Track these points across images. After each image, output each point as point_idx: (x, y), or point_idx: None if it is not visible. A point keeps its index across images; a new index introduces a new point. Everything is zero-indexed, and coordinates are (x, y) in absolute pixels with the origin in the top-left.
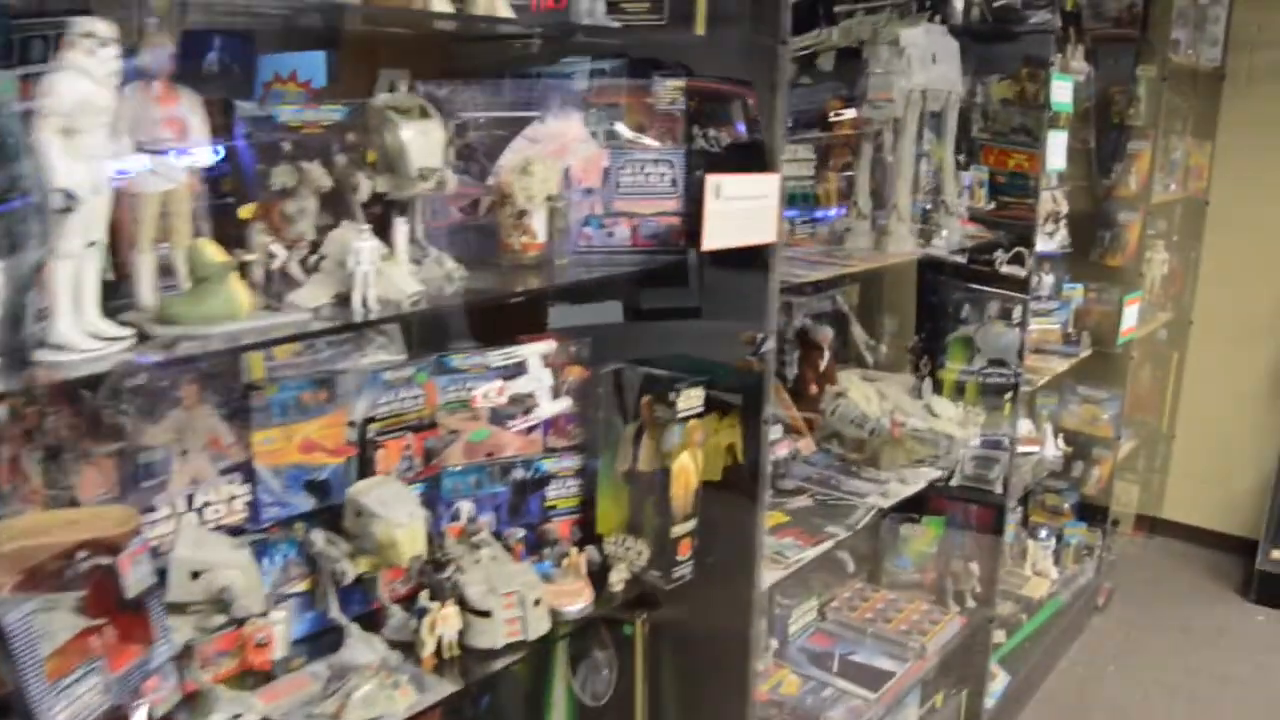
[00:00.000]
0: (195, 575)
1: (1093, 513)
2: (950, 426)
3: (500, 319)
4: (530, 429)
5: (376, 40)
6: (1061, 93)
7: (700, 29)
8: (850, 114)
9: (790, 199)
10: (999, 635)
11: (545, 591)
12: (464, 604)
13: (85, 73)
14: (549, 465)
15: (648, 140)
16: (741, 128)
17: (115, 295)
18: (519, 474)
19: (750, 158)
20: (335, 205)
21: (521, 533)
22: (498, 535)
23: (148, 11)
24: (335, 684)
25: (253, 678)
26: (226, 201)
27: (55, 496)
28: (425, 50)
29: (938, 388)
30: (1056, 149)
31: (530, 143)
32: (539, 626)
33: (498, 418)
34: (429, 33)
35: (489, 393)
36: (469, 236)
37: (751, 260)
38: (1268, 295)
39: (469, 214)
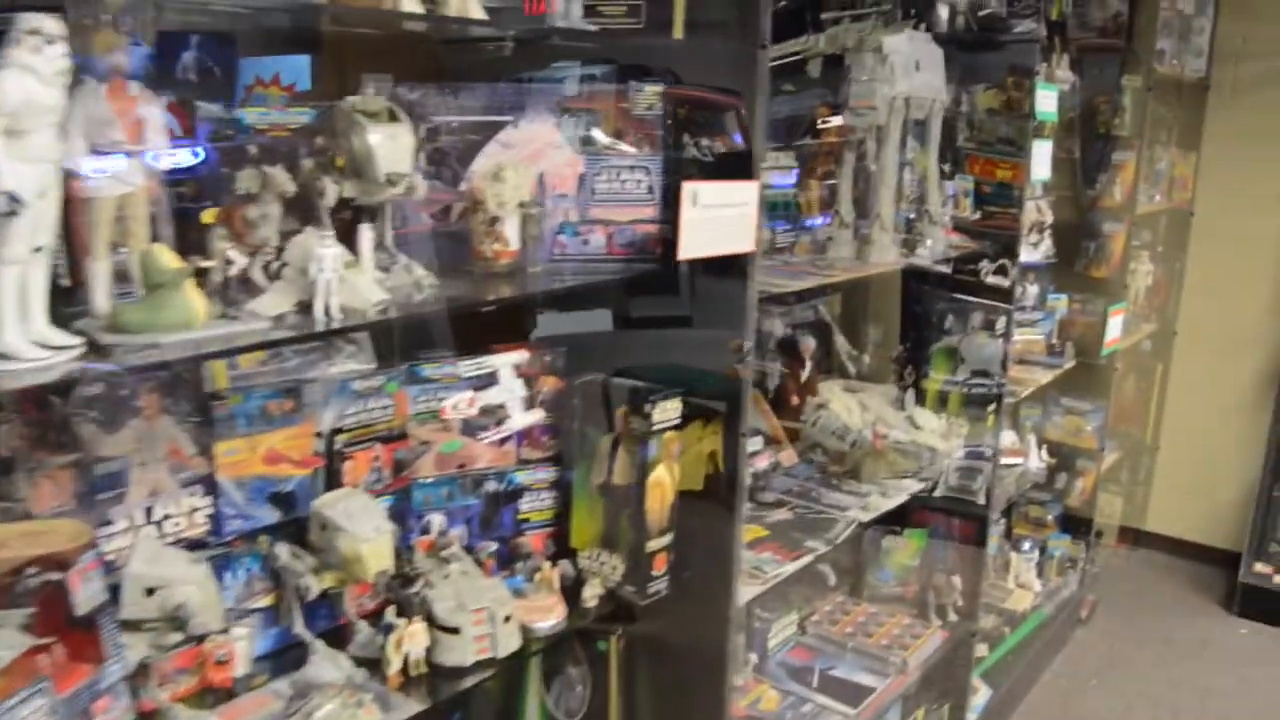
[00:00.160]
0: (150, 591)
1: (1076, 525)
2: (933, 439)
3: (476, 327)
4: (503, 440)
5: (359, 44)
6: (1046, 102)
7: (678, 33)
8: (838, 121)
9: (771, 207)
10: (981, 649)
11: (516, 607)
12: (432, 620)
13: (31, 71)
14: (522, 477)
15: (624, 146)
16: (738, 138)
17: (71, 302)
18: (492, 486)
19: (744, 168)
20: (303, 211)
21: (494, 546)
22: (469, 549)
23: (103, 9)
24: (298, 703)
25: (213, 696)
26: (190, 206)
27: (8, 509)
28: (410, 54)
29: (921, 399)
30: (1041, 159)
31: (503, 148)
32: (509, 643)
33: (470, 429)
34: (414, 36)
35: (459, 404)
36: (441, 243)
37: (729, 269)
38: (1252, 306)
39: (441, 220)
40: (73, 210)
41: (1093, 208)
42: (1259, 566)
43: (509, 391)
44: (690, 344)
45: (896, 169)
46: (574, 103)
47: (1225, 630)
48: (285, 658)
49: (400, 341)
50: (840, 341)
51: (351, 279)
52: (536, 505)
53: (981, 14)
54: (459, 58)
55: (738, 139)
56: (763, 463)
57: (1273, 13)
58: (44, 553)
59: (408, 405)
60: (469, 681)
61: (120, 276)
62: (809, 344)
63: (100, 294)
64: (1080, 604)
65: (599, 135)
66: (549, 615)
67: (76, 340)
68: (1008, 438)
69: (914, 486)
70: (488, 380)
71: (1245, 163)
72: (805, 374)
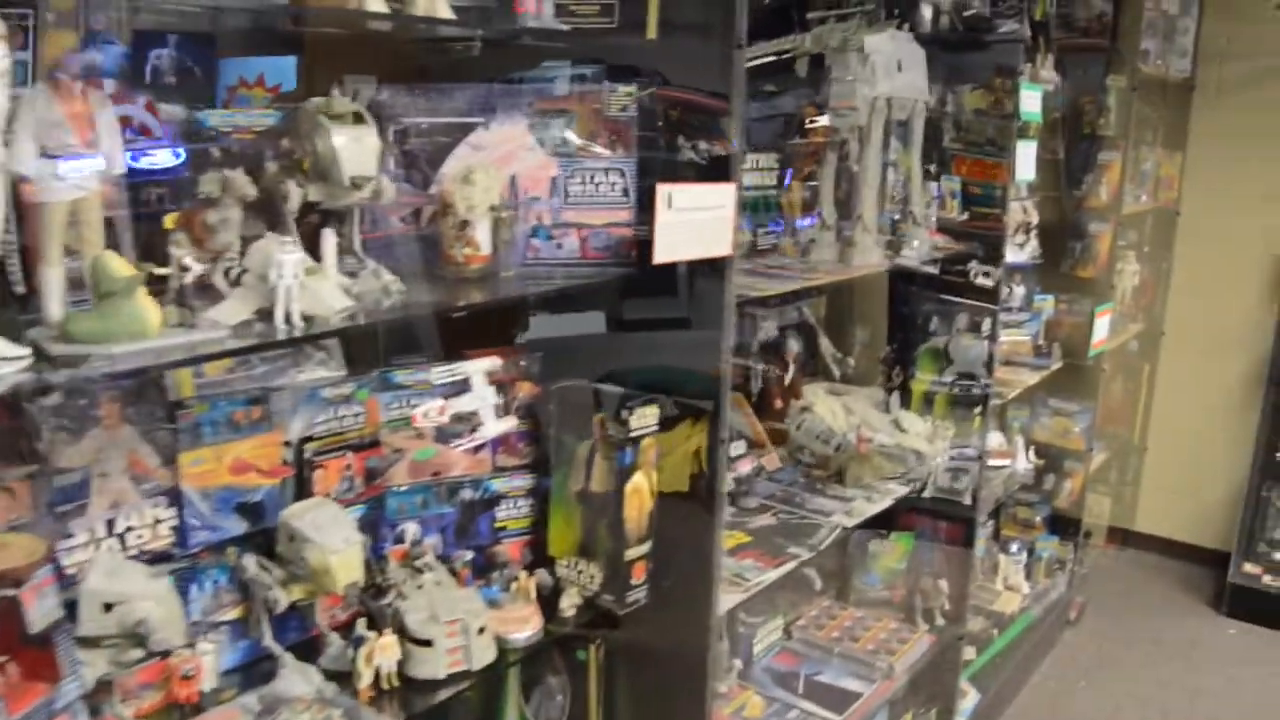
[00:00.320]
0: (108, 607)
1: (1064, 526)
2: (918, 442)
3: (453, 333)
4: (479, 447)
5: (344, 45)
6: (1030, 102)
7: (652, 33)
8: (824, 121)
9: (752, 209)
10: (969, 652)
11: (491, 618)
12: (404, 632)
13: None
14: (499, 485)
15: (598, 148)
16: (736, 142)
17: (26, 309)
18: (467, 494)
19: (721, 170)
20: (269, 215)
21: (469, 555)
22: (444, 558)
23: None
24: (266, 717)
25: (179, 711)
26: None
27: None
28: (396, 56)
29: (906, 401)
30: (1026, 159)
31: (474, 150)
32: (484, 656)
33: (444, 436)
34: (399, 38)
35: (430, 412)
36: (411, 247)
37: (706, 273)
38: (1239, 306)
39: (411, 224)
40: (25, 216)
41: (1078, 208)
42: (1248, 566)
43: (481, 399)
44: (673, 346)
45: (879, 170)
46: (547, 104)
47: (1214, 630)
48: (255, 671)
49: (373, 347)
50: (825, 344)
51: (313, 285)
52: (513, 513)
53: (967, 14)
54: (446, 58)
55: (735, 143)
56: (745, 467)
57: (1257, 12)
58: None
59: (380, 412)
60: (442, 695)
61: (77, 284)
62: (793, 346)
63: (53, 302)
64: (1069, 605)
65: (572, 137)
66: (525, 626)
67: (23, 351)
68: (995, 439)
69: (899, 490)
70: (460, 387)
71: (1231, 162)
72: (789, 377)
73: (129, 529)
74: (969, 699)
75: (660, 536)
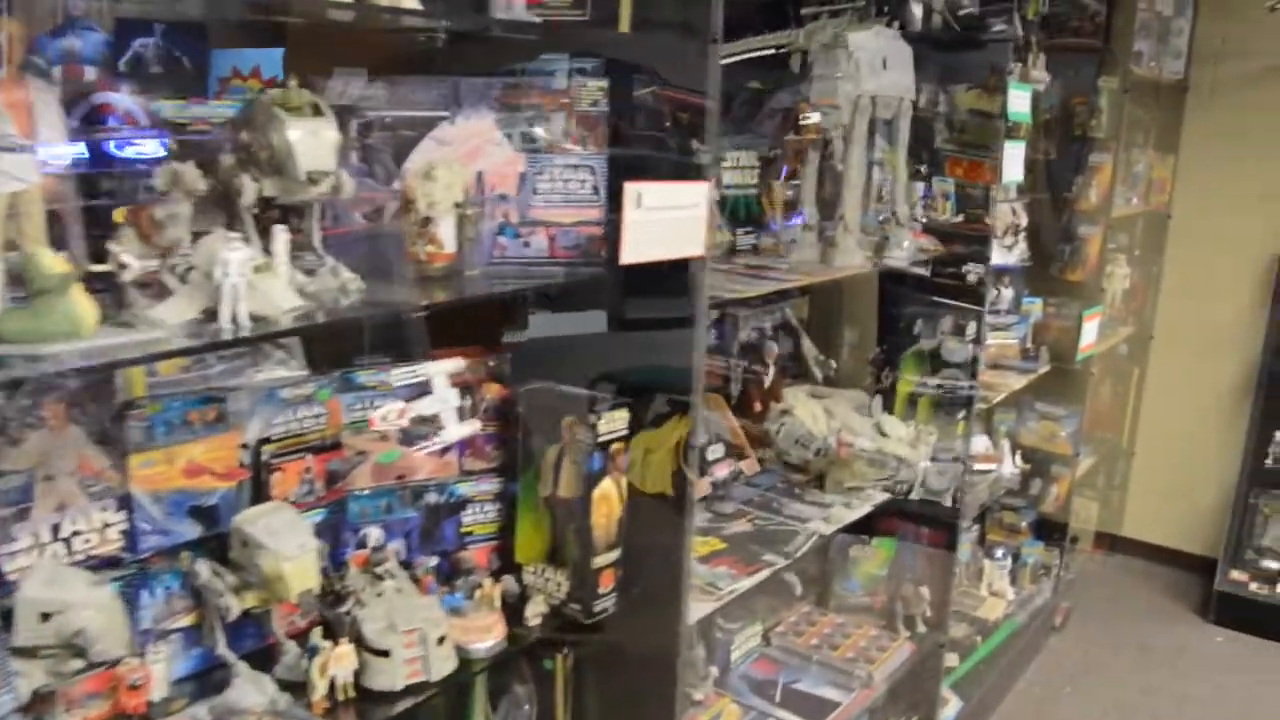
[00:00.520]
0: (46, 616)
1: (1050, 531)
2: (900, 447)
3: (422, 332)
4: (445, 450)
5: (333, 37)
6: (1019, 102)
7: (625, 26)
8: (816, 117)
9: (732, 208)
10: (952, 659)
11: (453, 627)
12: (361, 642)
13: None
14: (465, 489)
15: (567, 144)
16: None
17: None
18: (432, 498)
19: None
20: (228, 210)
21: (434, 561)
22: (407, 564)
23: None
24: None
25: None
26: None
27: None
28: (385, 47)
29: (891, 403)
30: (1013, 160)
31: (439, 145)
32: (443, 666)
33: (409, 438)
34: (388, 29)
35: (388, 415)
36: (374, 245)
37: (677, 273)
38: (1229, 310)
39: (374, 221)
40: None
41: (1068, 210)
42: (1235, 574)
43: (443, 401)
44: (645, 348)
45: (863, 170)
46: (514, 98)
47: (1201, 638)
48: (208, 680)
49: (339, 347)
50: (807, 345)
51: (262, 284)
52: (480, 518)
53: (961, 12)
54: (440, 49)
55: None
56: (722, 472)
57: (1252, 14)
58: None
59: (342, 414)
60: (400, 707)
61: (18, 280)
62: (772, 348)
63: None
64: (1054, 611)
65: (540, 132)
66: (487, 635)
67: None
68: (981, 443)
69: (879, 496)
70: (421, 390)
71: (1224, 164)
72: (769, 379)
73: (75, 533)
74: (951, 706)
75: (632, 543)
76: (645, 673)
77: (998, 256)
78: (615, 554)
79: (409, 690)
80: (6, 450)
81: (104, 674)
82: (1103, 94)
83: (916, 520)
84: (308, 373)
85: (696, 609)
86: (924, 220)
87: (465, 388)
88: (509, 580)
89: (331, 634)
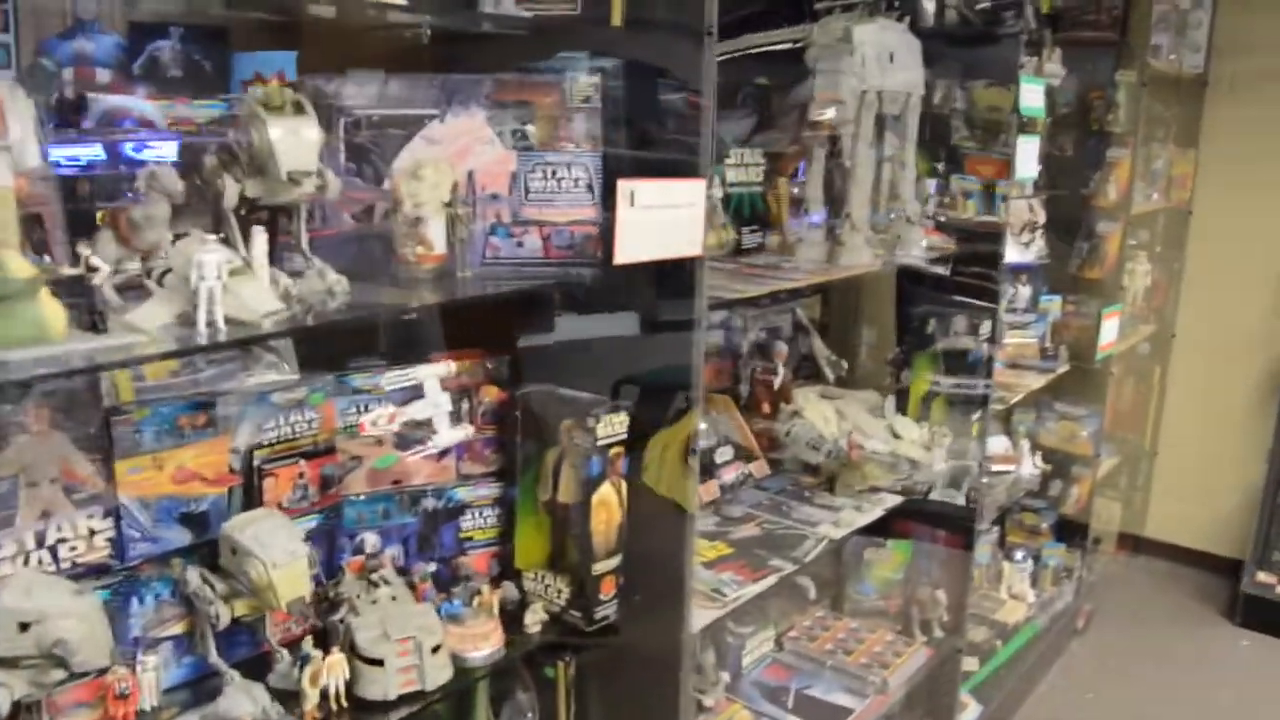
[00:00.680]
0: (25, 627)
1: (1072, 533)
2: (913, 449)
3: (418, 335)
4: (442, 454)
5: (347, 38)
6: (1032, 97)
7: (617, 20)
8: (832, 112)
9: (736, 207)
10: (971, 663)
11: (450, 635)
12: (354, 651)
13: None
14: (463, 494)
15: (560, 142)
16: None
17: None
18: (430, 503)
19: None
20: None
21: (432, 568)
22: (405, 570)
23: None
24: None
25: None
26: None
27: None
28: (398, 47)
29: (905, 404)
30: (1027, 156)
31: (429, 143)
32: (438, 676)
33: (405, 443)
34: (399, 28)
35: (378, 419)
36: (364, 246)
37: (676, 273)
38: (1253, 307)
39: (363, 222)
40: None
41: (1086, 207)
42: (1262, 576)
43: (435, 405)
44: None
45: (871, 166)
46: (505, 94)
47: (1226, 642)
48: (201, 688)
49: (332, 350)
50: (819, 345)
51: (239, 287)
52: (479, 523)
53: (978, 7)
54: (453, 49)
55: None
56: (729, 475)
57: (1273, 6)
58: None
59: (335, 418)
60: (394, 716)
61: None
62: (782, 349)
63: None
64: (1076, 614)
65: (532, 130)
66: (485, 644)
67: None
68: (1000, 444)
69: (891, 500)
70: (415, 394)
71: (1245, 160)
72: (778, 380)
73: (61, 540)
74: (970, 711)
75: (635, 549)
76: (649, 681)
77: (1015, 254)
78: (616, 560)
79: (403, 700)
80: None
81: (92, 683)
82: (1120, 88)
83: (932, 523)
84: (300, 376)
85: (700, 616)
86: (942, 218)
87: (463, 391)
88: (509, 587)
89: (326, 641)
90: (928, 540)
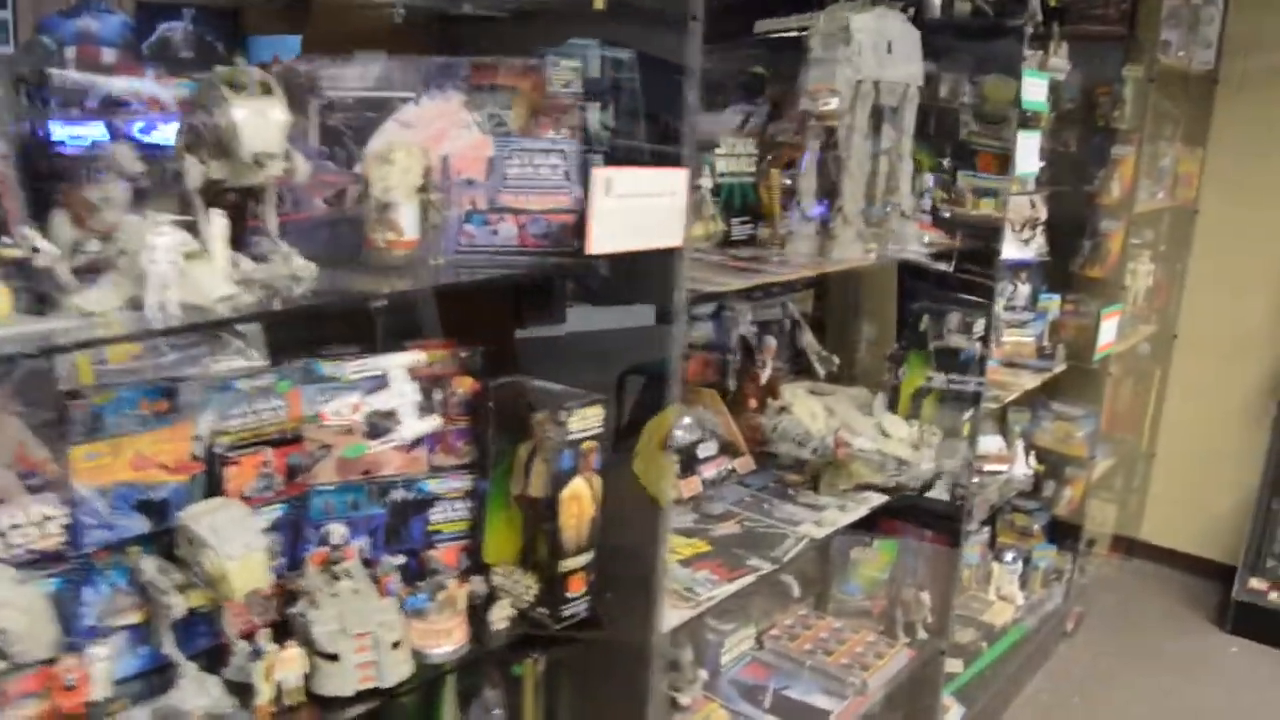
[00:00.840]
0: None
1: (1064, 535)
2: (901, 448)
3: (392, 323)
4: (413, 445)
5: (350, 21)
6: (1034, 91)
7: (600, 3)
8: (834, 103)
9: (726, 198)
10: (956, 664)
11: (412, 630)
12: (312, 645)
13: None
14: (434, 486)
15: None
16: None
17: None
18: (399, 495)
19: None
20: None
21: (400, 560)
22: (371, 562)
23: None
24: None
25: None
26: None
27: None
28: (404, 30)
29: (896, 401)
30: (1028, 150)
31: (403, 127)
32: (397, 672)
33: (376, 432)
34: (380, 10)
35: (341, 409)
36: (336, 231)
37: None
38: (1257, 309)
39: (335, 206)
40: None
41: (1089, 204)
42: (1254, 582)
43: (400, 395)
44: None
45: (865, 159)
46: (483, 78)
47: (1216, 648)
48: (156, 679)
49: (302, 336)
50: (809, 340)
51: (193, 271)
52: (449, 516)
53: None
54: (461, 31)
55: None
56: (710, 471)
57: None
58: None
59: (303, 406)
60: (351, 713)
61: None
62: (770, 343)
63: None
64: (1066, 617)
65: (510, 115)
66: (447, 640)
67: None
68: (994, 443)
69: (876, 500)
70: (381, 383)
71: (1254, 158)
72: (765, 375)
73: (13, 526)
74: (952, 714)
75: (607, 546)
76: (619, 681)
77: (1015, 251)
78: (586, 557)
79: (361, 696)
80: None
81: (40, 674)
82: (1127, 84)
83: (920, 522)
84: (268, 363)
85: (672, 616)
86: (947, 213)
87: (436, 381)
88: (477, 582)
89: (288, 634)
90: (915, 540)
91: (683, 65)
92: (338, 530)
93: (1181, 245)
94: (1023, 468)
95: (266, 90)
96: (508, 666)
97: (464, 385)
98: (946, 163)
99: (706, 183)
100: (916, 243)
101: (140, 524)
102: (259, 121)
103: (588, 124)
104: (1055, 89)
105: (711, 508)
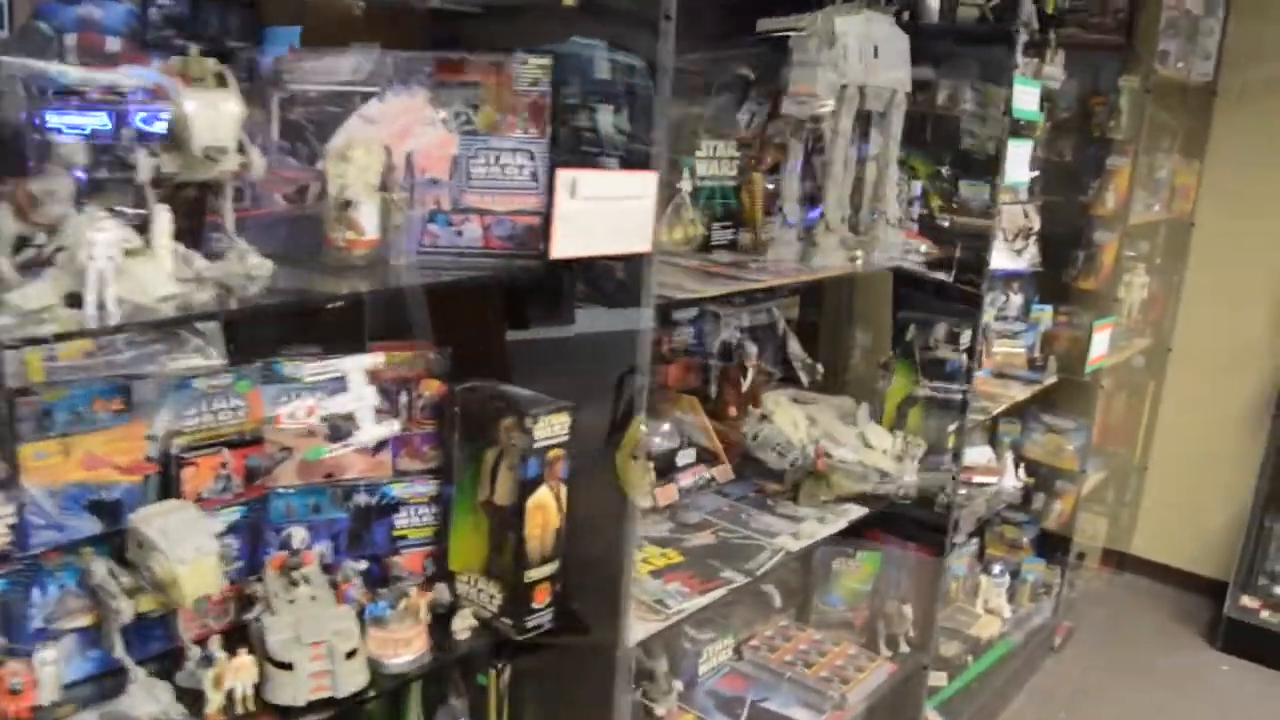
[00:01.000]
0: None
1: (1053, 548)
2: (884, 460)
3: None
4: (378, 448)
5: (350, 12)
6: (1025, 99)
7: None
8: (830, 105)
9: (707, 201)
10: (940, 678)
11: (370, 639)
12: (265, 652)
13: None
14: (398, 490)
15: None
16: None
17: None
18: (362, 499)
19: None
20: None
21: (362, 566)
22: (332, 568)
23: None
24: None
25: None
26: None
27: None
28: (397, 23)
29: (880, 412)
30: (1019, 159)
31: (367, 122)
32: (352, 681)
33: (338, 434)
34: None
35: (295, 412)
36: (297, 228)
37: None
38: (1253, 324)
39: (296, 203)
40: None
41: (1084, 215)
42: (1245, 600)
43: (359, 399)
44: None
45: (849, 165)
46: (449, 74)
47: (1206, 665)
48: (107, 684)
49: (264, 335)
50: (794, 347)
51: (135, 268)
52: (414, 521)
53: (992, 4)
54: (461, 27)
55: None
56: (688, 479)
57: None
58: None
59: (263, 407)
60: None
61: None
62: (751, 350)
63: None
64: (1054, 631)
65: (476, 113)
66: (406, 649)
67: None
68: (983, 454)
69: (856, 512)
70: (341, 385)
71: (1252, 171)
72: (746, 382)
73: None
74: None
75: (574, 556)
76: (585, 692)
77: (1007, 261)
78: (551, 567)
79: (313, 706)
80: None
81: None
82: (1123, 93)
83: (903, 534)
84: (227, 362)
85: (640, 629)
86: (945, 222)
87: (401, 384)
88: (440, 589)
89: (245, 639)
90: (898, 552)
91: (656, 64)
92: (299, 534)
93: (1177, 258)
94: (1012, 480)
95: (221, 82)
96: (474, 675)
97: (431, 388)
98: (946, 170)
99: (686, 186)
100: (902, 251)
101: (91, 525)
102: (210, 114)
103: (598, 126)
104: (1050, 98)
105: (687, 517)
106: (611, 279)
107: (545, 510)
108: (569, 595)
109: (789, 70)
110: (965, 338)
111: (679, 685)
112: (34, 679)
